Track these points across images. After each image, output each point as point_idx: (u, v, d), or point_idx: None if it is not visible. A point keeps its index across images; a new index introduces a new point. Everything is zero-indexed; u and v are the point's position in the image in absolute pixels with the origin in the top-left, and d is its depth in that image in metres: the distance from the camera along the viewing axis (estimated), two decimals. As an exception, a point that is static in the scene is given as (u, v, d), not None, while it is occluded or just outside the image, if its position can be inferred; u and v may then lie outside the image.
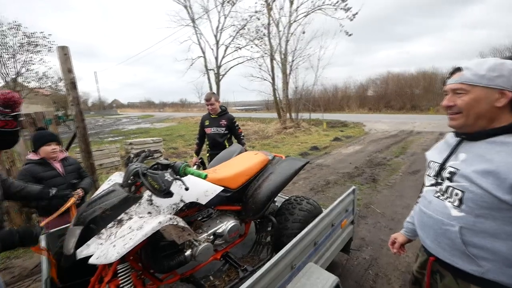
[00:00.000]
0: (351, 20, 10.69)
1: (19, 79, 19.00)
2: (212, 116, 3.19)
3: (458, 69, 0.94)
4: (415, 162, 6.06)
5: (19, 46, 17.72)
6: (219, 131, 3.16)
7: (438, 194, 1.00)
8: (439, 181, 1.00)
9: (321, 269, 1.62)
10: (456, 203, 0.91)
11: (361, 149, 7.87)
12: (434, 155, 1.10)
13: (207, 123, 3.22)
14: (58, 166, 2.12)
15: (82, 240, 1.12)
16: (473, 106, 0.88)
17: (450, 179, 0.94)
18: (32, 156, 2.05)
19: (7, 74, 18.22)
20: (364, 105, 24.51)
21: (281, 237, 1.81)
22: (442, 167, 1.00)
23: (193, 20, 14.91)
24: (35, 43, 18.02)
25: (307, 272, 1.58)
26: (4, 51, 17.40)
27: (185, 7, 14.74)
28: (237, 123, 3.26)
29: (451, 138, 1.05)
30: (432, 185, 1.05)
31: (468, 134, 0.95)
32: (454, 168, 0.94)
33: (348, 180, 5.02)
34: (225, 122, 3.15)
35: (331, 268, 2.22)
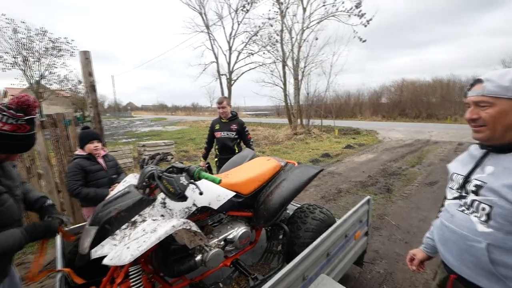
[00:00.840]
0: (365, 26, 10.59)
1: (42, 81, 20.13)
2: (223, 121, 3.20)
3: (478, 81, 0.91)
4: (432, 172, 5.83)
5: (44, 50, 18.84)
6: (229, 136, 3.17)
7: (463, 208, 0.95)
8: (463, 194, 0.96)
9: (334, 282, 1.57)
10: (483, 218, 0.86)
11: (375, 158, 7.66)
12: (458, 167, 1.06)
13: (217, 127, 3.23)
14: (101, 161, 2.33)
15: (97, 240, 1.13)
16: (499, 119, 0.85)
17: (475, 193, 0.90)
18: (80, 152, 2.27)
19: (32, 76, 19.36)
20: (377, 112, 23.97)
21: (293, 246, 1.76)
22: (466, 180, 0.96)
23: (207, 27, 15.27)
24: (58, 48, 19.12)
25: (319, 284, 1.53)
26: (30, 55, 18.55)
27: (200, 14, 15.15)
28: (247, 128, 3.26)
29: (475, 150, 1.01)
30: (455, 198, 1.01)
31: (495, 147, 0.91)
32: (480, 181, 0.90)
33: (361, 189, 4.88)
34: (236, 127, 3.15)
35: (344, 281, 2.13)
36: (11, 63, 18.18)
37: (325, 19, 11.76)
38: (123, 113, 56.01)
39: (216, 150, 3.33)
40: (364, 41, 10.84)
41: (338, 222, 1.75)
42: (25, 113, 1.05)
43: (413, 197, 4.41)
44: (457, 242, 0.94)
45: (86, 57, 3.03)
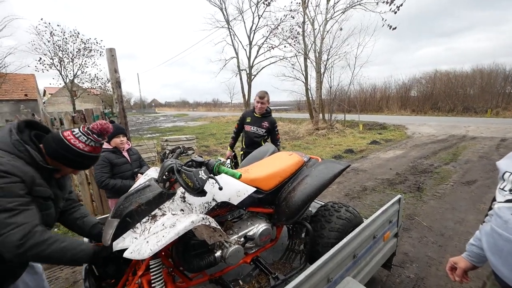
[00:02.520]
0: (395, 13, 9.81)
1: (75, 80, 21.72)
2: (256, 115, 3.11)
3: None
4: (469, 171, 5.31)
5: (77, 51, 20.24)
6: (258, 132, 3.08)
7: None
8: None
9: (360, 285, 1.47)
10: None
11: (403, 154, 7.18)
12: (511, 165, 0.91)
13: (248, 120, 3.15)
14: (126, 155, 2.42)
15: (119, 232, 1.14)
16: None
17: None
18: (106, 146, 2.34)
19: (66, 76, 20.96)
20: (406, 106, 22.42)
21: (316, 245, 1.68)
22: None
23: (227, 22, 15.27)
24: (89, 48, 20.42)
25: (344, 287, 1.44)
26: (65, 56, 20.03)
27: (221, 9, 15.16)
28: (277, 128, 3.17)
29: None
30: (508, 201, 0.88)
31: None
32: None
33: (388, 187, 4.59)
34: (267, 124, 3.06)
35: (370, 284, 2.01)
36: (49, 64, 19.81)
37: (351, 8, 11.13)
38: (147, 110, 58.56)
39: (243, 143, 3.28)
40: (395, 28, 10.04)
41: (366, 222, 1.63)
42: (103, 138, 1.20)
43: (447, 197, 4.05)
44: None
45: (112, 54, 3.13)
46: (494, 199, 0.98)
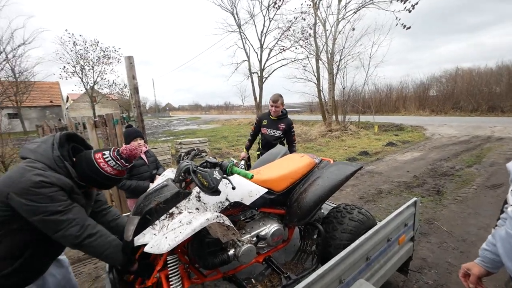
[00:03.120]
0: (410, 11, 9.52)
1: (95, 87, 22.93)
2: (272, 118, 3.14)
3: None
4: (495, 174, 5.02)
5: (97, 59, 21.37)
6: (275, 134, 3.12)
7: None
8: None
9: (373, 288, 1.45)
10: None
11: (421, 156, 6.91)
12: None
13: (265, 123, 3.19)
14: (143, 157, 2.55)
15: (139, 229, 1.21)
16: None
17: None
18: None
19: (87, 82, 22.18)
20: (424, 106, 21.49)
21: (328, 247, 1.68)
22: None
23: (239, 26, 15.48)
24: (108, 56, 21.51)
25: (357, 289, 1.43)
26: (86, 64, 21.21)
27: (232, 14, 15.40)
28: (293, 129, 3.19)
29: None
30: None
31: None
32: None
33: (405, 190, 4.45)
34: (283, 126, 3.09)
35: (385, 288, 1.97)
36: (71, 72, 21.07)
37: (363, 7, 10.95)
38: (162, 113, 60.15)
39: (259, 144, 3.33)
40: (409, 28, 9.72)
41: (380, 224, 1.61)
42: (129, 163, 1.28)
43: (470, 201, 3.86)
44: None
45: (130, 62, 3.30)
46: (505, 202, 0.95)
